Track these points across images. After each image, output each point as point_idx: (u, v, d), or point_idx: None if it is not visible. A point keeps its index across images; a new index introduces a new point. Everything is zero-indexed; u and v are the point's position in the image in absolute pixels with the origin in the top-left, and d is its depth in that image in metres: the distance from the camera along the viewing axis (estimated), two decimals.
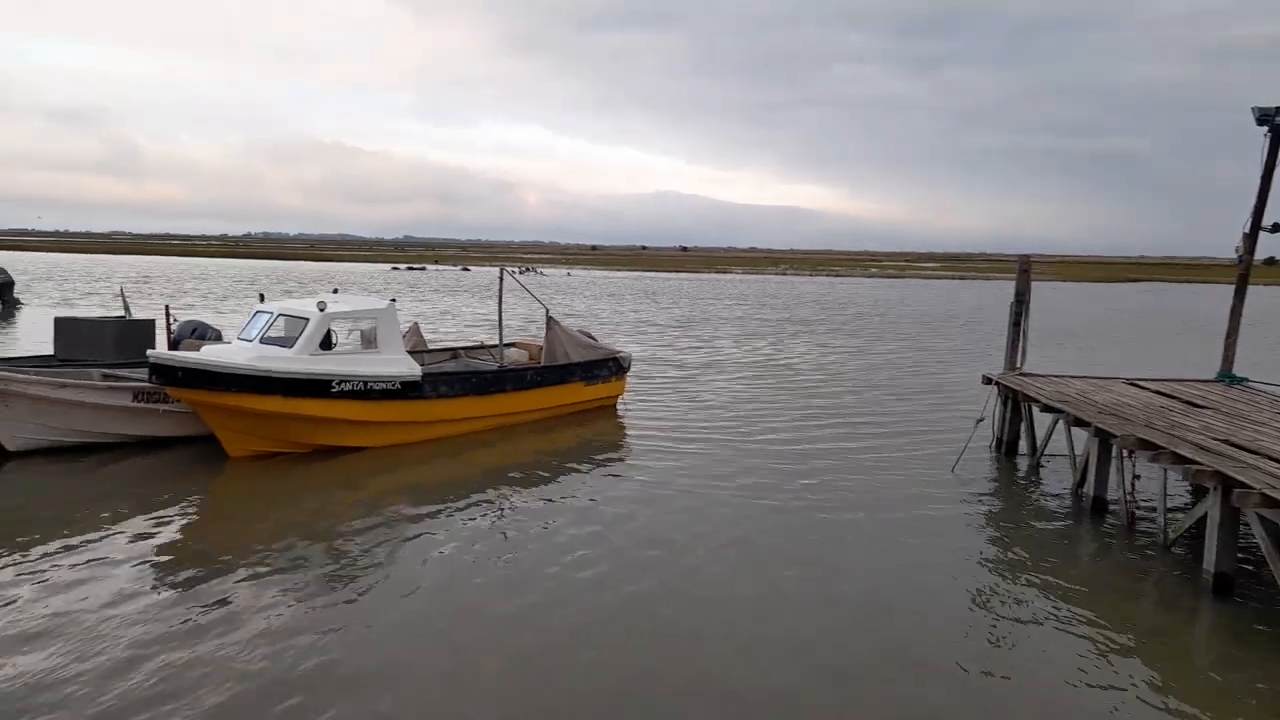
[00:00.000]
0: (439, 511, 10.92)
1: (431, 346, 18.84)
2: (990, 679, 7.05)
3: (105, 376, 13.89)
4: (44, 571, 8.57)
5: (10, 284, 38.78)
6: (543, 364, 17.01)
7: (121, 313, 18.04)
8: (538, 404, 16.26)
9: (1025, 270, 14.89)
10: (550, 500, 11.63)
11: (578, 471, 13.07)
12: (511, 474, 12.82)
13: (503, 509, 11.18)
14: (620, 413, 17.55)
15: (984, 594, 8.83)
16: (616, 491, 11.97)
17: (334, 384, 13.00)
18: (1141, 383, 14.66)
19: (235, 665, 6.84)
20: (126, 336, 15.27)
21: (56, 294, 46.06)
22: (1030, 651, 7.55)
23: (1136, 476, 10.92)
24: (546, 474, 12.92)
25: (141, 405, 13.23)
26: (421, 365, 14.62)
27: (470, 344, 20.83)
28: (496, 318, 16.70)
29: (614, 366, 17.78)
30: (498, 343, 17.16)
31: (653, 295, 60.46)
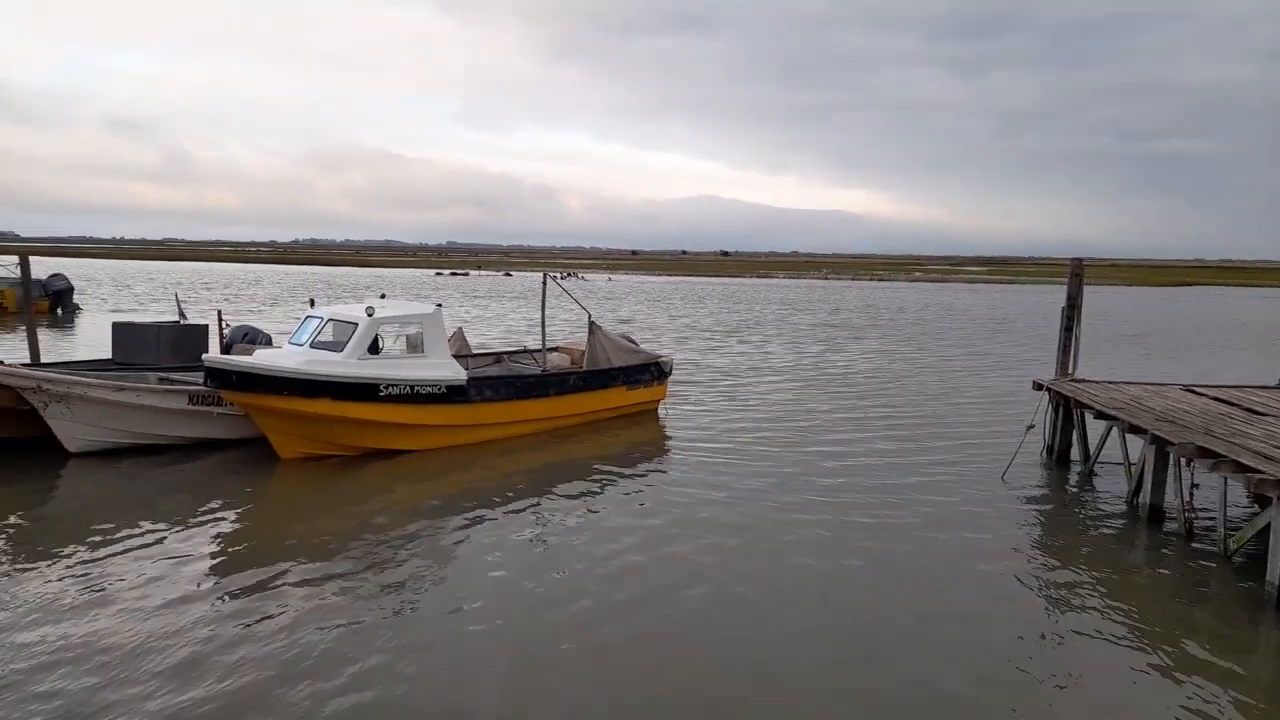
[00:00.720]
0: (481, 514, 11.01)
1: (475, 351, 19.02)
2: (1038, 697, 6.87)
3: (161, 380, 14.25)
4: (99, 565, 8.83)
5: (70, 290, 39.97)
6: (585, 368, 17.07)
7: (176, 318, 18.51)
8: (581, 408, 16.32)
9: (1078, 274, 14.58)
10: (590, 504, 11.65)
11: (620, 476, 13.08)
12: (554, 478, 12.88)
13: (544, 512, 11.24)
14: (662, 417, 17.55)
15: (1033, 607, 8.64)
16: (657, 497, 11.94)
17: (382, 388, 13.19)
18: (1199, 389, 14.26)
19: (275, 656, 7.05)
20: (181, 341, 15.67)
21: (132, 297, 47.46)
22: (1083, 667, 7.35)
23: (1195, 485, 10.63)
24: (588, 478, 12.94)
25: (197, 408, 13.55)
26: (466, 369, 14.76)
27: (513, 348, 20.99)
28: (540, 322, 16.83)
29: (655, 371, 17.80)
30: (540, 347, 17.27)
31: (701, 300, 60.45)
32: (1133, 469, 11.98)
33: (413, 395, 13.51)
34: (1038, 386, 14.79)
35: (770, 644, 7.56)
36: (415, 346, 14.10)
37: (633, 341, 18.89)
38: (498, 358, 18.46)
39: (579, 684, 6.84)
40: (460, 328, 19.15)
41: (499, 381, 15.12)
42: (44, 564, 8.92)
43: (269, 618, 7.78)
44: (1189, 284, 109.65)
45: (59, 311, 38.18)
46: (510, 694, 6.67)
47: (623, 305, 52.97)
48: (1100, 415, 12.53)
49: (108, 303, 44.92)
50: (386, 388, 13.23)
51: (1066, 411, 14.22)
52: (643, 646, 7.49)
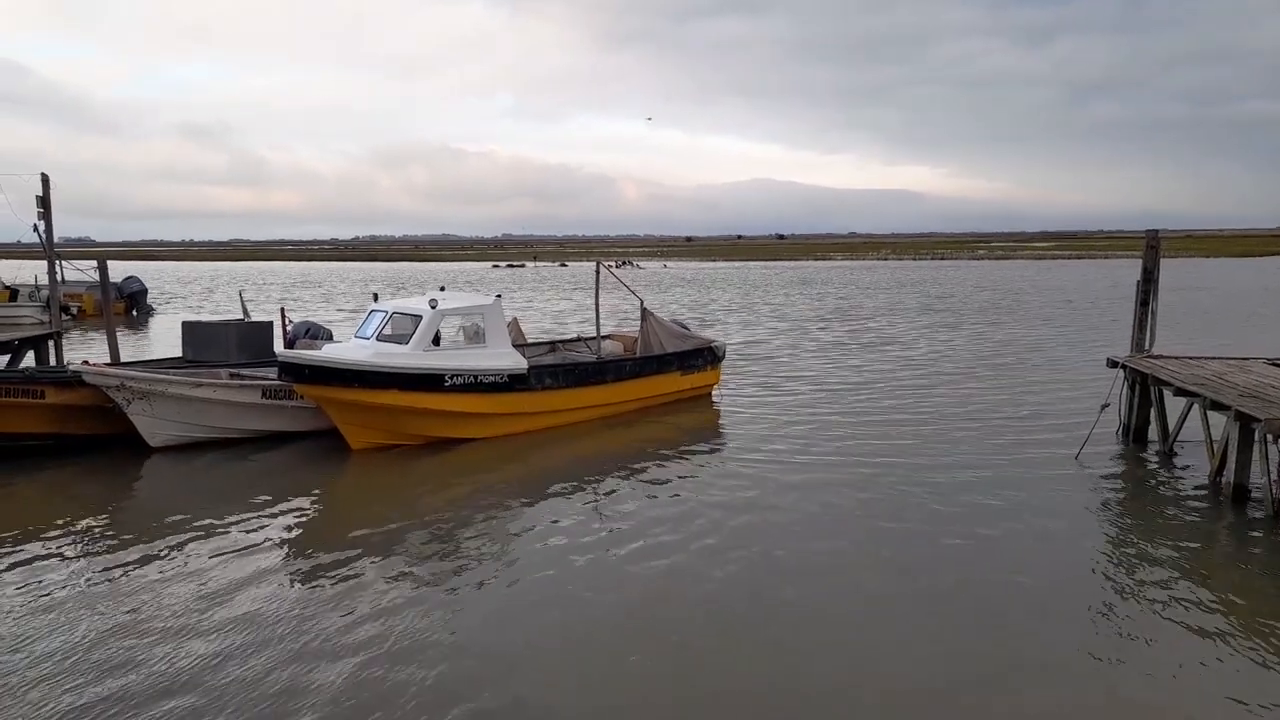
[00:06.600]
0: (545, 499, 11.17)
1: (530, 340, 19.18)
2: (1114, 693, 6.59)
3: (232, 376, 14.69)
4: (184, 551, 9.21)
5: (144, 292, 41.44)
6: (639, 355, 17.10)
7: (241, 315, 19.06)
8: (638, 394, 16.36)
9: (1153, 246, 14.04)
10: (650, 491, 11.63)
11: (680, 463, 13.04)
12: (614, 464, 12.91)
13: (607, 500, 11.29)
14: (716, 401, 17.51)
15: (1111, 594, 8.32)
16: (718, 483, 11.87)
17: (447, 378, 13.40)
18: None
19: (350, 639, 7.30)
20: (247, 338, 16.16)
21: (220, 302, 49.10)
22: (1163, 658, 7.05)
23: None
24: (647, 464, 12.92)
25: (270, 402, 13.94)
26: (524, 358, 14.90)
27: (567, 337, 21.12)
28: (594, 311, 16.92)
29: (709, 356, 17.77)
30: (594, 335, 17.35)
31: (803, 285, 59.87)
32: (1215, 447, 11.52)
33: (476, 385, 13.70)
34: (1112, 364, 14.31)
35: (875, 647, 7.31)
36: (477, 337, 14.28)
37: (684, 327, 18.89)
38: (552, 346, 18.62)
39: (640, 669, 6.87)
40: (515, 318, 19.32)
41: (559, 369, 15.23)
42: (137, 551, 9.33)
43: (351, 606, 7.98)
44: (1272, 253, 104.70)
45: (134, 313, 39.63)
46: (570, 674, 6.78)
47: (710, 292, 52.57)
48: (1180, 392, 12.06)
49: (196, 303, 46.43)
50: (451, 378, 13.43)
51: (1143, 389, 13.74)
52: (706, 632, 7.49)
